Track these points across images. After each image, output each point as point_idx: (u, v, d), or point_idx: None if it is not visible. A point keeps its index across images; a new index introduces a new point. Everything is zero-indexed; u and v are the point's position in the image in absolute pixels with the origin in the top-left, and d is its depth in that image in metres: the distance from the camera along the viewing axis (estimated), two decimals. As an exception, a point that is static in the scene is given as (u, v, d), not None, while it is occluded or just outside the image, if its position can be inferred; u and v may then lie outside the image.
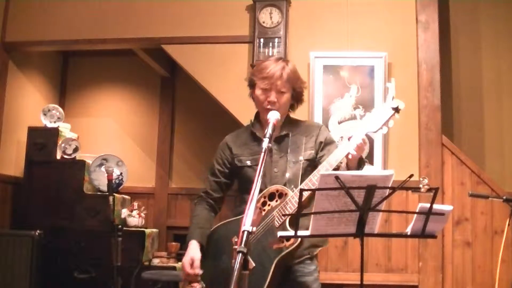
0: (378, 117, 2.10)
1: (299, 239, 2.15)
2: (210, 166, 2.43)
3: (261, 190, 2.14)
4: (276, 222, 2.18)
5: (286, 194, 2.19)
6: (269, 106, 2.25)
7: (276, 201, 2.20)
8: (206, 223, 2.35)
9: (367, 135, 2.25)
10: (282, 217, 2.15)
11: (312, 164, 2.29)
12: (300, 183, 2.19)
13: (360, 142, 2.07)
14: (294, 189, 2.19)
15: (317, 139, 2.33)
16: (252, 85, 2.35)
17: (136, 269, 4.36)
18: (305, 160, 2.28)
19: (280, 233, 2.09)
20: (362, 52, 4.12)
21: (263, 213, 2.21)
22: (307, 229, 1.87)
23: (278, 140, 2.31)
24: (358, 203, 1.76)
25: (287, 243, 2.15)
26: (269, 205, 2.21)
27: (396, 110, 2.09)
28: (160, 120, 5.71)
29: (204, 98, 4.66)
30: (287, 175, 2.25)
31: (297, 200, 1.83)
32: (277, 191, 2.21)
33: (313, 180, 2.11)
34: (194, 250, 2.26)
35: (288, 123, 2.37)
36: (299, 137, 2.32)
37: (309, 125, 2.41)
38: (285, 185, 2.23)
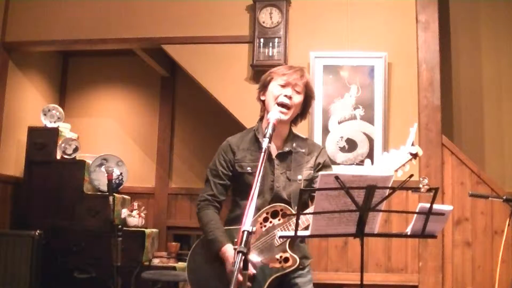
0: (395, 160, 2.06)
1: (297, 262, 2.16)
2: (211, 168, 2.37)
3: (258, 199, 2.11)
4: (276, 241, 2.18)
5: (289, 214, 2.19)
6: (284, 100, 2.24)
7: (279, 219, 2.20)
8: (223, 227, 2.30)
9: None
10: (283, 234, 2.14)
11: (310, 184, 2.30)
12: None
13: None
14: (295, 208, 2.19)
15: (317, 159, 2.34)
16: (265, 84, 2.33)
17: (136, 269, 4.36)
18: (304, 180, 2.29)
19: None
20: (362, 52, 4.11)
21: (263, 228, 2.20)
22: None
23: (281, 156, 2.30)
24: (358, 203, 1.76)
25: (285, 265, 2.15)
26: (270, 222, 2.20)
27: (414, 156, 2.05)
28: (160, 120, 5.71)
29: (204, 98, 4.66)
30: (288, 192, 2.25)
31: (299, 224, 1.83)
32: (281, 210, 2.21)
33: (306, 216, 2.08)
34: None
35: (292, 138, 2.35)
36: (301, 156, 2.32)
37: (311, 144, 2.41)
38: (285, 202, 2.23)
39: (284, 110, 2.24)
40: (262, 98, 2.35)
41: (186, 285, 4.71)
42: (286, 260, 2.16)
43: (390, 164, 2.06)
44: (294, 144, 2.33)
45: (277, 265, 2.16)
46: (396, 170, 2.06)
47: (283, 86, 2.27)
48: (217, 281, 2.19)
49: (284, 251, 2.16)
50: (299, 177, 2.28)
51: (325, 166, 2.36)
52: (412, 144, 2.06)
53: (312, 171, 2.32)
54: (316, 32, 4.24)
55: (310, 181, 2.31)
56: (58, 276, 4.40)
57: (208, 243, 2.25)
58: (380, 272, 3.88)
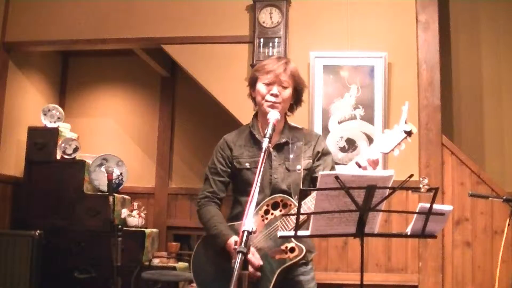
0: (391, 139, 2.05)
1: (304, 251, 2.14)
2: (210, 166, 2.38)
3: (259, 195, 2.12)
4: (279, 232, 2.16)
5: (290, 205, 2.19)
6: (271, 99, 2.23)
7: (280, 210, 2.19)
8: (225, 222, 2.28)
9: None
10: (287, 226, 2.14)
11: (310, 174, 2.29)
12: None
13: (376, 158, 2.06)
14: (296, 198, 2.18)
15: (314, 148, 2.33)
16: (253, 83, 2.32)
17: (136, 269, 4.36)
18: (303, 169, 2.28)
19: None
20: (362, 52, 4.11)
21: (266, 221, 2.20)
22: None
23: (278, 147, 2.29)
24: (358, 203, 1.76)
25: (291, 255, 2.14)
26: (272, 213, 2.20)
27: (409, 133, 2.04)
28: (160, 120, 5.72)
29: (204, 98, 4.66)
30: (287, 183, 2.25)
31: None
32: (282, 200, 2.20)
33: (308, 205, 2.07)
34: None
35: (288, 129, 2.35)
36: (298, 146, 2.31)
37: (308, 133, 2.39)
38: (285, 193, 2.22)
39: (274, 105, 2.24)
40: (253, 95, 2.34)
41: (186, 285, 4.71)
42: (292, 250, 2.15)
43: (386, 144, 2.05)
44: (290, 135, 2.33)
45: (284, 256, 2.14)
46: (393, 150, 2.04)
47: (268, 84, 2.25)
48: (223, 280, 2.18)
49: (289, 241, 2.15)
50: (298, 167, 2.27)
51: (324, 154, 2.34)
52: (406, 123, 2.05)
53: (311, 161, 2.30)
54: (316, 32, 4.24)
55: (310, 170, 2.30)
56: (58, 276, 4.39)
57: (212, 239, 2.23)
58: (380, 272, 3.88)
